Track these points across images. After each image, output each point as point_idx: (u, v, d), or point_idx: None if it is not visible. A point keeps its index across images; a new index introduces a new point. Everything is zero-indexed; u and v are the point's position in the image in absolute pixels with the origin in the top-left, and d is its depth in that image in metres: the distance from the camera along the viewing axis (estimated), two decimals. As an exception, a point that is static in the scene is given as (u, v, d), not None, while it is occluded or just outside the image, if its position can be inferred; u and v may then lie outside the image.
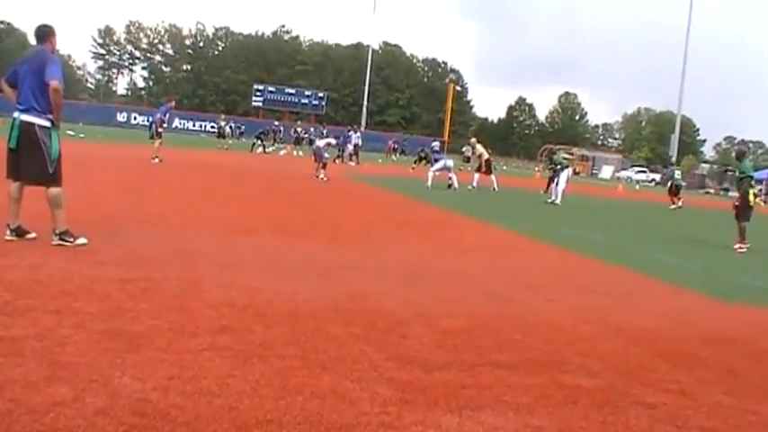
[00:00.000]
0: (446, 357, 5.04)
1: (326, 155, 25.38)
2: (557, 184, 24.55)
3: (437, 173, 26.60)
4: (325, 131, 38.68)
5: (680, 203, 31.28)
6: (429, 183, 25.65)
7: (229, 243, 9.12)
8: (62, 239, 7.62)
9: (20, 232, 7.76)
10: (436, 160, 27.53)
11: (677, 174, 34.04)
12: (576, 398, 4.47)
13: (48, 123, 7.61)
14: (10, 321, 4.78)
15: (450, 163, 27.01)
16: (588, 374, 5.01)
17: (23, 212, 7.93)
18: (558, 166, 25.26)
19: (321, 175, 24.01)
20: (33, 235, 7.85)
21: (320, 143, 26.17)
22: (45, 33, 7.94)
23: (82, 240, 7.71)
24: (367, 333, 5.43)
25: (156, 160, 23.24)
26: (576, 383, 4.76)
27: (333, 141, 28.43)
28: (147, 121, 73.67)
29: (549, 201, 24.16)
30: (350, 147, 41.36)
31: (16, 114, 7.63)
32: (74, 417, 3.40)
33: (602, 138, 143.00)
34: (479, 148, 30.68)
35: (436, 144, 31.86)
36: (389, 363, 4.76)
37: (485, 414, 4.02)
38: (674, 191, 32.18)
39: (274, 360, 4.56)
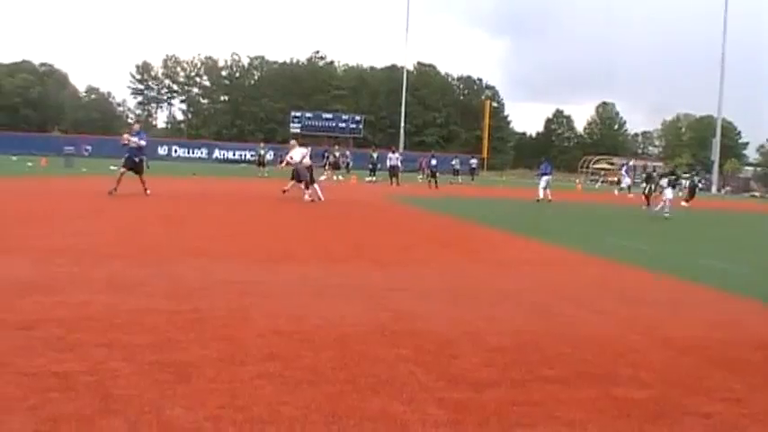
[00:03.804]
0: (496, 375, 5.01)
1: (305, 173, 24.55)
2: (664, 197, 25.16)
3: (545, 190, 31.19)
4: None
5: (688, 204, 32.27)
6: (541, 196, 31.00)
7: (273, 271, 9.16)
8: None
9: None
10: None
11: (695, 178, 35.66)
12: (628, 410, 4.41)
13: None
14: (62, 357, 4.85)
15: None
16: (640, 386, 4.94)
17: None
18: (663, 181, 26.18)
19: (306, 197, 23.27)
20: None
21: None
22: None
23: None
24: (415, 354, 5.42)
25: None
26: (629, 396, 4.70)
27: (308, 161, 25.41)
28: (189, 153, 75.31)
29: (666, 214, 24.50)
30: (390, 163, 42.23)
31: None
32: (128, 449, 3.43)
33: (642, 146, 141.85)
34: None
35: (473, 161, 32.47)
36: (439, 383, 4.74)
37: (537, 431, 3.99)
38: (690, 193, 33.21)
39: (324, 385, 4.56)
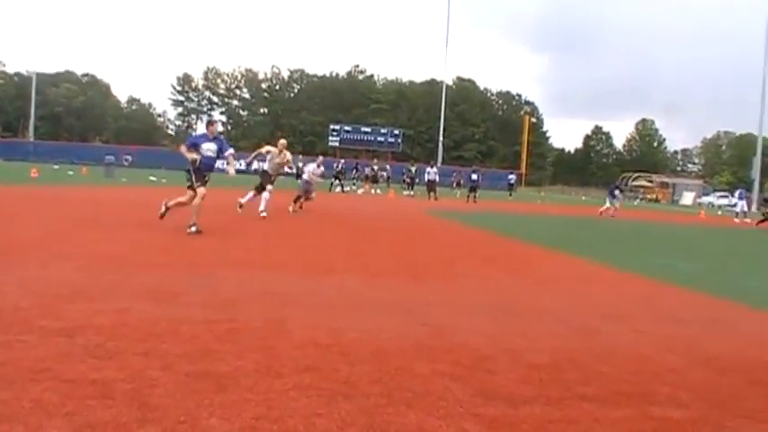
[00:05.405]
0: (532, 392, 4.96)
1: (312, 189, 23.79)
2: None
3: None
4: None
5: None
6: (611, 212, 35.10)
7: (312, 283, 9.15)
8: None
9: None
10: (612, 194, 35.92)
11: None
12: (666, 430, 4.34)
13: None
14: (101, 364, 4.88)
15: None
16: (678, 406, 4.86)
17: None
18: None
19: (292, 208, 22.79)
20: None
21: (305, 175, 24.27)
22: None
23: None
24: (452, 369, 5.38)
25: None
26: (666, 415, 4.63)
27: (320, 172, 24.92)
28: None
29: None
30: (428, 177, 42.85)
31: None
32: (164, 458, 3.43)
33: (681, 164, 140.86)
34: None
35: (512, 177, 32.52)
36: (475, 399, 4.70)
37: (576, 450, 3.94)
38: None
39: (360, 398, 4.54)
